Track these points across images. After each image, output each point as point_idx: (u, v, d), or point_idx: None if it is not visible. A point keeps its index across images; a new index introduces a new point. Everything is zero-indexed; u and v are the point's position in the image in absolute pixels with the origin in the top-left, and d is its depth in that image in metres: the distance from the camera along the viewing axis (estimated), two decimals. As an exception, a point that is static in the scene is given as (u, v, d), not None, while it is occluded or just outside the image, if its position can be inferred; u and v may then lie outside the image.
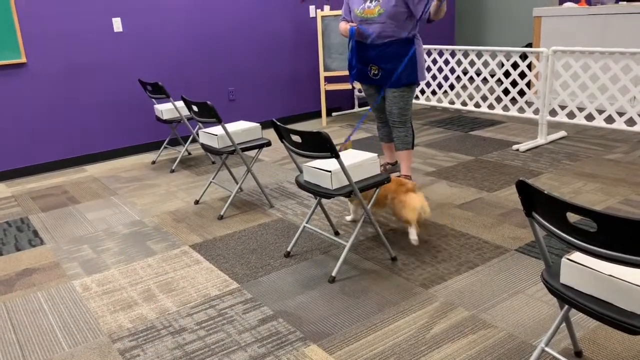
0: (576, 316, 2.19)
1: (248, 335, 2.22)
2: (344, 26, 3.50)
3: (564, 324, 2.01)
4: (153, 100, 4.71)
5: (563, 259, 1.61)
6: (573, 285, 1.59)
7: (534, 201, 1.52)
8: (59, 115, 4.81)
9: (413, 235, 2.83)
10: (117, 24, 4.91)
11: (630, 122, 5.05)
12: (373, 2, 3.37)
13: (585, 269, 1.56)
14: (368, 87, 3.67)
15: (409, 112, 3.56)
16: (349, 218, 3.30)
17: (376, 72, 3.49)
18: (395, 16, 3.32)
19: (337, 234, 3.12)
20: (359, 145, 4.98)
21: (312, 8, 6.01)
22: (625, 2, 5.71)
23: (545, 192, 1.44)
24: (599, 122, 4.41)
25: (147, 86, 4.45)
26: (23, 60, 4.54)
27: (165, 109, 4.57)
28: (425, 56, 5.82)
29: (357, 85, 5.76)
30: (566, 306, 1.72)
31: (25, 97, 4.63)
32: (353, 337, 2.17)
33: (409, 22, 3.36)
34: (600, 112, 5.47)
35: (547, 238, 2.86)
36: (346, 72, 5.74)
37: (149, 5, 5.04)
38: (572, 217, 2.82)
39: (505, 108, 5.96)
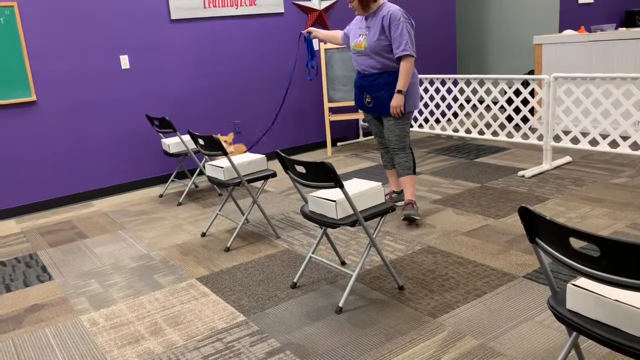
0: (586, 343, 2.16)
1: (255, 368, 2.21)
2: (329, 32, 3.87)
3: (573, 351, 1.99)
4: (160, 134, 4.78)
5: (568, 285, 1.61)
6: (579, 311, 1.58)
7: (537, 227, 1.53)
8: (67, 151, 4.89)
9: None
10: (124, 62, 5.03)
11: (635, 146, 5.05)
12: (362, 36, 3.54)
13: (590, 295, 1.55)
14: (366, 114, 3.82)
15: (407, 138, 3.66)
16: None
17: (369, 101, 3.63)
18: (381, 49, 3.47)
19: (343, 263, 3.12)
20: (363, 174, 5.00)
21: (315, 41, 6.12)
22: (624, 29, 5.79)
23: (547, 217, 1.45)
24: (604, 146, 4.42)
25: (155, 121, 4.52)
26: (33, 98, 4.64)
27: (172, 143, 4.63)
28: (428, 85, 5.89)
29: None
30: (574, 333, 1.70)
31: (35, 134, 4.72)
32: (361, 368, 2.15)
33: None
34: (604, 136, 5.48)
35: (555, 264, 2.84)
36: (350, 103, 5.81)
37: (154, 42, 5.16)
38: (578, 242, 2.81)
39: (510, 135, 5.98)
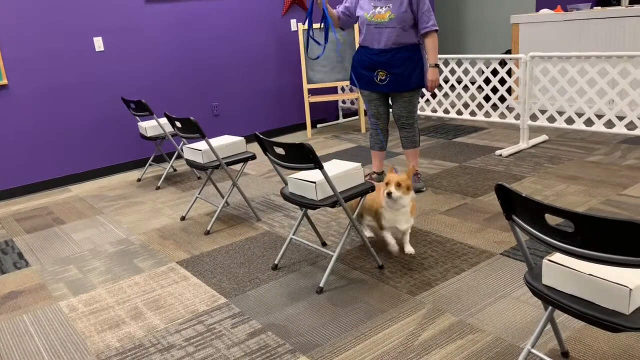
0: (562, 317, 2.21)
1: (237, 350, 2.22)
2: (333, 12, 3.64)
3: (549, 325, 2.03)
4: (137, 117, 4.70)
5: (544, 260, 1.64)
6: (555, 286, 1.62)
7: (513, 204, 1.55)
8: (42, 135, 4.79)
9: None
10: (98, 44, 4.92)
11: (609, 124, 5.13)
12: (383, 8, 3.49)
13: (565, 269, 1.58)
14: (370, 93, 3.74)
15: (416, 114, 3.75)
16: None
17: (383, 78, 3.59)
18: (405, 21, 3.48)
19: (324, 244, 3.13)
20: (343, 155, 5.01)
21: (293, 22, 6.06)
22: (599, 8, 5.84)
23: (523, 194, 1.47)
24: (579, 125, 4.48)
25: (131, 104, 4.45)
26: (4, 82, 4.52)
27: (149, 126, 4.57)
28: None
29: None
30: (550, 307, 1.74)
31: (8, 118, 4.61)
32: (342, 347, 2.17)
33: (416, 28, 3.54)
34: (580, 115, 5.56)
35: (531, 240, 2.89)
36: (330, 84, 5.78)
37: (129, 23, 5.05)
38: (554, 219, 2.86)
39: (487, 114, 6.03)
